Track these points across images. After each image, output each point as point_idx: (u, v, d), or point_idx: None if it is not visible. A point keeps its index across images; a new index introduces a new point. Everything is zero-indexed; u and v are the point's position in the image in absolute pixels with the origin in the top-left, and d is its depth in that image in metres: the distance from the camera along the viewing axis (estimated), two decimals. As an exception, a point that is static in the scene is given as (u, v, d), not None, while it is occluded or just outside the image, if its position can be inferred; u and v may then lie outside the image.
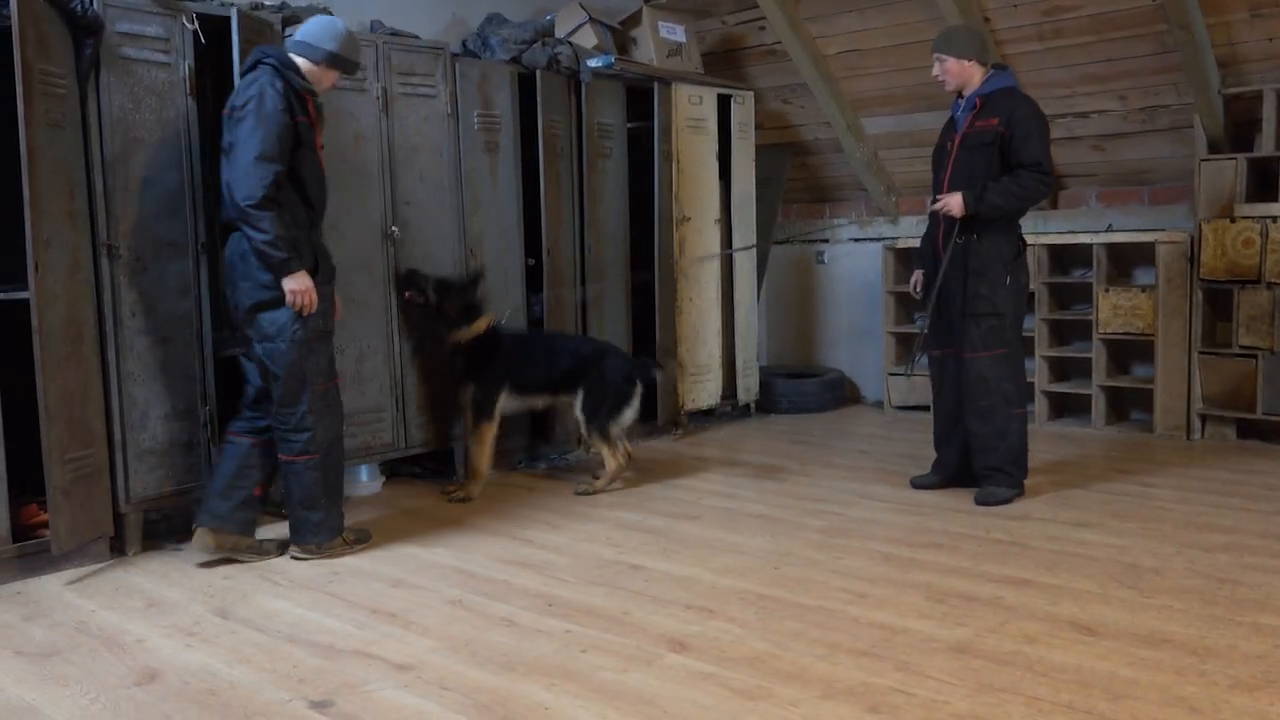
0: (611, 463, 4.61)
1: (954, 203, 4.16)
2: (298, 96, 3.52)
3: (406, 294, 4.52)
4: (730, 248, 6.12)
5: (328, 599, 3.34)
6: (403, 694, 2.64)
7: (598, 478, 4.66)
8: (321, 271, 3.61)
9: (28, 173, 3.27)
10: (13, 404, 3.49)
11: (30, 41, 3.27)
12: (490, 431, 4.56)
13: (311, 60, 3.60)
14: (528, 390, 4.66)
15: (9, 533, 3.50)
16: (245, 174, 3.37)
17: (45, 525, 3.53)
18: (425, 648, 2.93)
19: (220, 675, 2.78)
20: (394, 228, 4.51)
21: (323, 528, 3.69)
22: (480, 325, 4.54)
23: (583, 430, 4.67)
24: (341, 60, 3.66)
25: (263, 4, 4.26)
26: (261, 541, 3.76)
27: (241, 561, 3.67)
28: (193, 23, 3.81)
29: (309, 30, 3.63)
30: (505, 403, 4.59)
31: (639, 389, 4.70)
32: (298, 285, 3.48)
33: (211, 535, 3.61)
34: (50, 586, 3.49)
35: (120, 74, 3.66)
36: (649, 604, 3.23)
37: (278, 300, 3.49)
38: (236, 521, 3.66)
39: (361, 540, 3.84)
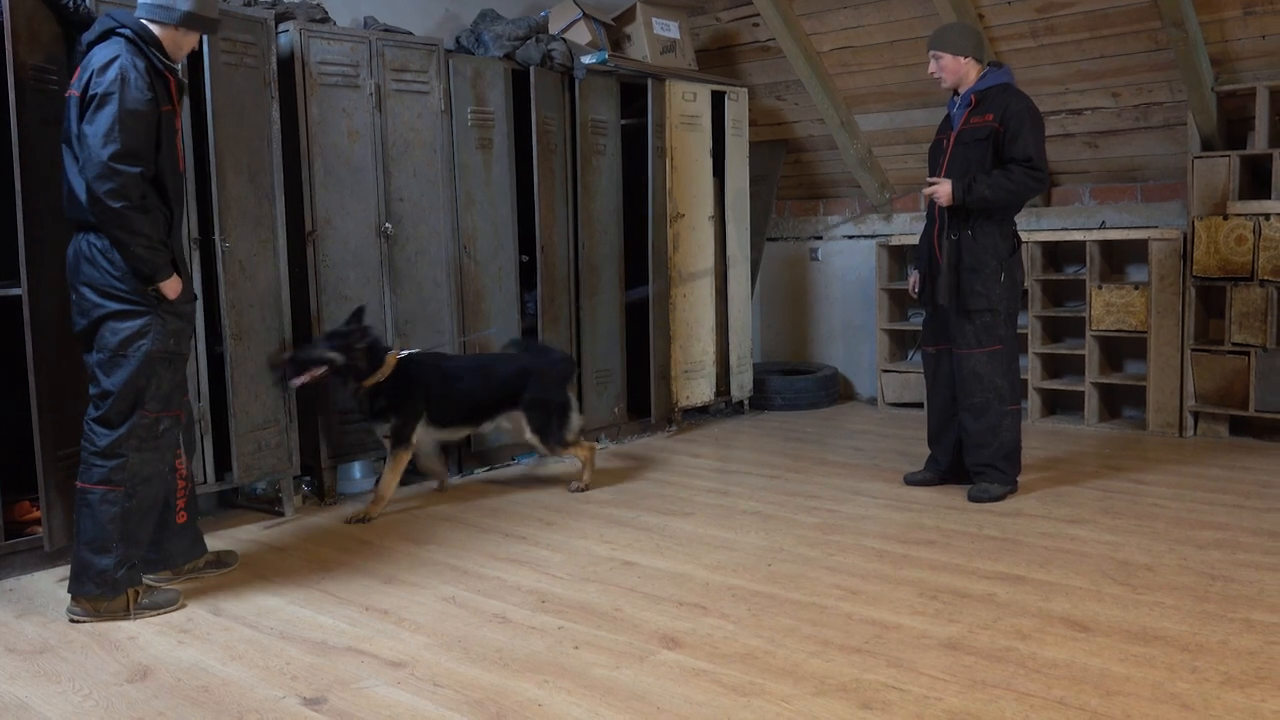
0: (583, 453, 4.60)
1: (943, 190, 4.18)
2: (159, 77, 3.09)
3: (307, 375, 4.00)
4: (724, 242, 6.12)
5: (320, 595, 3.34)
6: (395, 691, 2.63)
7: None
8: (185, 289, 3.20)
9: (19, 169, 3.27)
10: (6, 400, 3.49)
11: (23, 38, 3.27)
12: (405, 459, 4.29)
13: (166, 23, 3.11)
14: (449, 423, 4.42)
15: (1, 529, 3.50)
16: (111, 172, 2.94)
17: (38, 522, 3.52)
18: (418, 644, 2.93)
19: (213, 672, 2.77)
20: (388, 224, 4.51)
21: (107, 580, 3.11)
22: (390, 363, 4.21)
23: (540, 450, 4.58)
24: (199, 20, 3.16)
25: (256, 0, 4.25)
26: (220, 554, 3.63)
27: (211, 575, 3.55)
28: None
29: None
30: (423, 434, 4.35)
31: (572, 392, 4.69)
32: (174, 289, 3.12)
33: (165, 577, 3.45)
34: (43, 583, 3.49)
35: (112, 70, 3.64)
36: (642, 601, 3.23)
37: (128, 311, 3.07)
38: (180, 553, 3.47)
39: (166, 604, 3.23)
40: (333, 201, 4.35)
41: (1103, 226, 5.82)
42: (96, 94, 2.97)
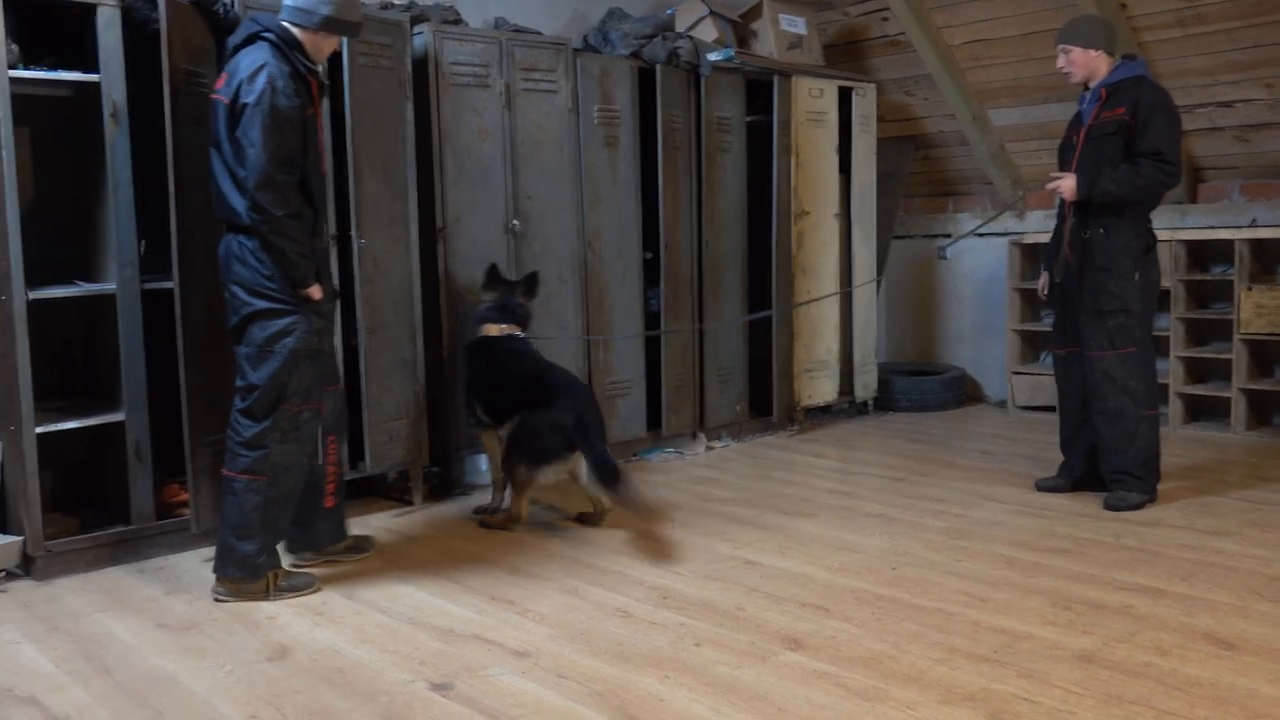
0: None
1: (1066, 185, 4.07)
2: (302, 80, 3.19)
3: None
4: (849, 240, 6.04)
5: (448, 584, 3.42)
6: (520, 680, 2.68)
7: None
8: (326, 291, 3.33)
9: (173, 169, 3.43)
10: (157, 388, 3.67)
11: (177, 43, 3.43)
12: (485, 438, 4.16)
13: (307, 27, 3.21)
14: (489, 413, 4.09)
15: (153, 511, 3.69)
16: (272, 182, 3.07)
17: (185, 504, 3.70)
18: (542, 635, 2.97)
19: (346, 654, 2.87)
20: (515, 221, 4.58)
21: (249, 564, 3.26)
22: (488, 329, 4.10)
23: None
24: (338, 23, 3.25)
25: (392, 4, 4.38)
26: (358, 539, 3.75)
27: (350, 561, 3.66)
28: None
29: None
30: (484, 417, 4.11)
31: (574, 453, 3.85)
32: (319, 293, 3.26)
33: (307, 556, 3.59)
34: (190, 563, 3.66)
35: (259, 73, 3.79)
36: (763, 600, 3.22)
37: (275, 310, 3.20)
38: (325, 536, 3.61)
39: (302, 587, 3.36)
40: (463, 199, 4.44)
41: (1253, 224, 5.53)
42: (248, 102, 3.07)
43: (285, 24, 3.21)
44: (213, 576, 3.33)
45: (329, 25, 3.23)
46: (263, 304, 3.19)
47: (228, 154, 3.14)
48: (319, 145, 3.32)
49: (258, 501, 3.23)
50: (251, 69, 3.09)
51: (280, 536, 3.37)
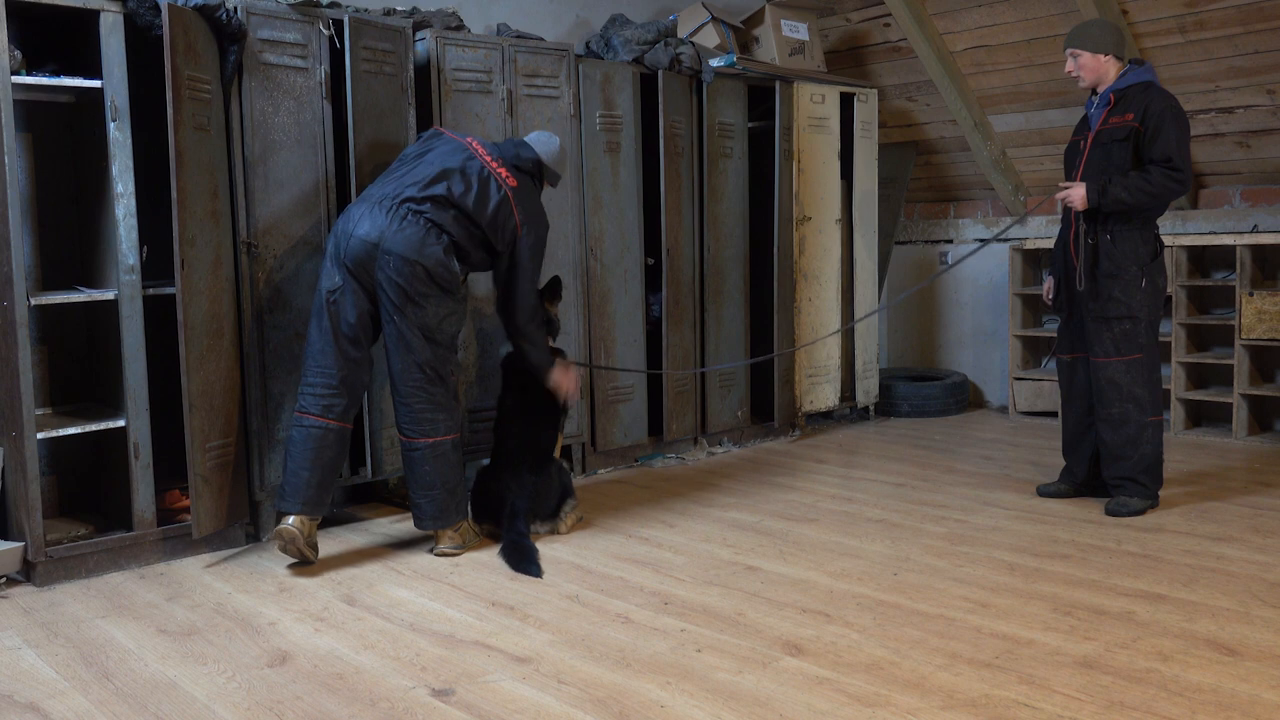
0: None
1: (1076, 195, 4.04)
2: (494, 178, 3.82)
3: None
4: (851, 246, 6.04)
5: (449, 590, 3.42)
6: (521, 686, 2.68)
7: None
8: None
9: (175, 174, 3.43)
10: (158, 393, 3.68)
11: (180, 49, 3.44)
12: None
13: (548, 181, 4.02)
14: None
15: (154, 516, 3.69)
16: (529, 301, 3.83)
17: (187, 510, 3.70)
18: (543, 641, 2.97)
19: (347, 660, 2.87)
20: (517, 227, 4.58)
21: (463, 507, 3.80)
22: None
23: None
24: (555, 178, 4.04)
25: (395, 10, 4.39)
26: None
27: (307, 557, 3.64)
28: (329, 29, 3.94)
29: (551, 154, 3.95)
30: None
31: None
32: (568, 380, 3.98)
33: (308, 524, 3.60)
34: (191, 568, 3.66)
35: (261, 79, 3.81)
36: (764, 606, 3.22)
37: (449, 298, 3.64)
38: (323, 509, 3.66)
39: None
40: (465, 205, 4.44)
41: (1255, 230, 5.54)
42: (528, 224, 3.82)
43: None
44: (215, 583, 3.33)
45: (552, 179, 4.04)
46: (441, 290, 3.61)
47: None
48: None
49: (458, 459, 3.73)
50: (533, 197, 3.91)
51: None
